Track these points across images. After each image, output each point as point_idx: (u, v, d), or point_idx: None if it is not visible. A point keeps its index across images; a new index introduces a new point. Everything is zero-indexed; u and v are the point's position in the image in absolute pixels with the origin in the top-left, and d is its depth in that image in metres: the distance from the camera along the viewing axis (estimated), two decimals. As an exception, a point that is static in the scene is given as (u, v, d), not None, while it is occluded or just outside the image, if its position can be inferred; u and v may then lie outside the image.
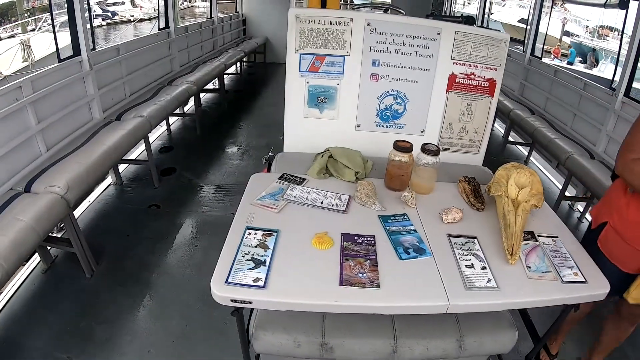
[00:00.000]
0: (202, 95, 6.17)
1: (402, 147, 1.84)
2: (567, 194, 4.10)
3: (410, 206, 1.79)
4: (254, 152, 4.84)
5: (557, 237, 1.69)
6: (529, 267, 1.52)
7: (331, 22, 2.06)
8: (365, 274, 1.40)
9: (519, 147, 5.53)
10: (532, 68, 5.46)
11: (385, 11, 2.91)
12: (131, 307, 2.55)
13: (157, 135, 5.05)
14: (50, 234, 2.72)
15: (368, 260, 1.46)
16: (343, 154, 2.02)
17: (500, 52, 2.16)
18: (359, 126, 2.25)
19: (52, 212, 2.41)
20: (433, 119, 2.26)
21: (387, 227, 1.64)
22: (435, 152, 1.84)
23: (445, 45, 2.12)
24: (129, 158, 4.17)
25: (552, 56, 19.18)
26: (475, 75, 2.18)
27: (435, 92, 2.20)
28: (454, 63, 2.16)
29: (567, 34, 21.76)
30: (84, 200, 3.59)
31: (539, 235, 1.69)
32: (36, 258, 2.87)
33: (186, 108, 5.76)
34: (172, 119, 5.36)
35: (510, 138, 5.48)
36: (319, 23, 2.06)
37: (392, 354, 1.67)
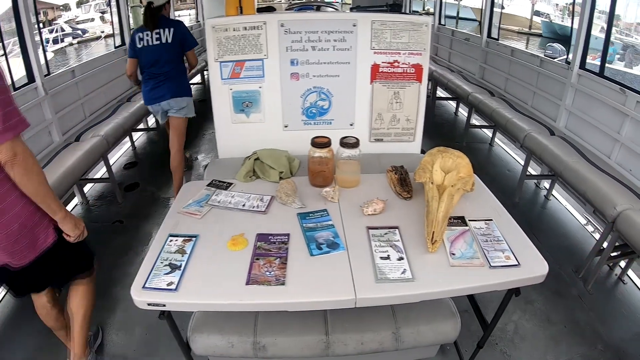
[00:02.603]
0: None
1: (319, 142, 1.85)
2: (533, 172, 4.11)
3: (332, 201, 1.80)
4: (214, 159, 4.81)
5: (491, 220, 1.68)
6: (453, 254, 1.50)
7: (245, 28, 2.08)
8: (272, 272, 1.41)
9: (485, 130, 5.54)
10: (490, 50, 5.49)
11: (318, 9, 2.93)
12: (96, 320, 2.57)
13: (122, 151, 5.04)
14: None
15: (278, 259, 1.47)
16: (269, 156, 2.04)
17: (423, 36, 2.17)
18: (286, 126, 2.26)
19: None
20: (361, 111, 2.27)
21: (304, 224, 1.65)
22: (354, 145, 1.85)
23: (363, 36, 2.13)
24: (94, 177, 4.20)
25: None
26: (399, 63, 2.19)
27: (359, 84, 2.22)
28: (374, 53, 2.17)
29: (537, 13, 21.93)
30: (51, 222, 3.61)
31: (470, 220, 1.67)
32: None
33: (151, 122, 5.75)
34: (136, 135, 5.36)
35: (475, 122, 5.49)
36: (234, 30, 2.09)
37: (326, 350, 1.68)
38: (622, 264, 2.99)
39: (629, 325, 2.57)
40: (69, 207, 3.84)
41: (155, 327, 2.50)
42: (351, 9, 2.40)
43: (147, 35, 3.33)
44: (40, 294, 2.03)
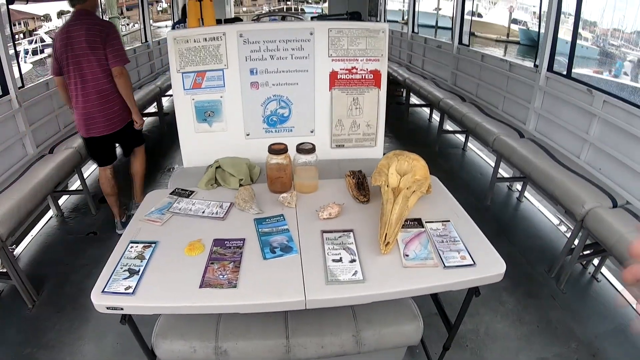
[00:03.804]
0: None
1: (276, 149, 1.88)
2: (504, 175, 4.19)
3: (289, 206, 1.83)
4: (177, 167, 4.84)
5: (448, 221, 1.70)
6: (407, 255, 1.52)
7: (205, 39, 2.12)
8: (225, 276, 1.43)
9: (457, 135, 5.61)
10: (461, 56, 5.60)
11: (283, 18, 2.99)
12: (69, 330, 2.59)
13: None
14: None
15: (232, 263, 1.49)
16: (230, 164, 2.06)
17: (380, 42, 2.22)
18: (248, 134, 2.30)
19: None
20: (321, 118, 2.32)
21: (260, 229, 1.67)
22: (310, 150, 1.88)
23: (320, 44, 2.18)
24: (68, 189, 4.19)
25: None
26: (357, 69, 2.24)
27: (318, 91, 2.26)
28: (332, 60, 2.22)
29: (514, 21, 22.30)
30: (28, 234, 3.62)
31: (427, 222, 1.70)
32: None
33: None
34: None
35: (449, 127, 5.57)
36: (195, 41, 2.12)
37: (287, 354, 1.69)
38: (596, 262, 3.05)
39: (603, 323, 2.60)
40: (43, 221, 3.85)
41: (127, 335, 2.51)
42: (312, 18, 2.46)
43: None
44: (107, 167, 3.43)
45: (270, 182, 1.96)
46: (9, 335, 2.60)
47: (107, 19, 5.58)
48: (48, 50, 20.10)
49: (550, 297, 2.80)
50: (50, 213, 3.95)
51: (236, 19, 2.28)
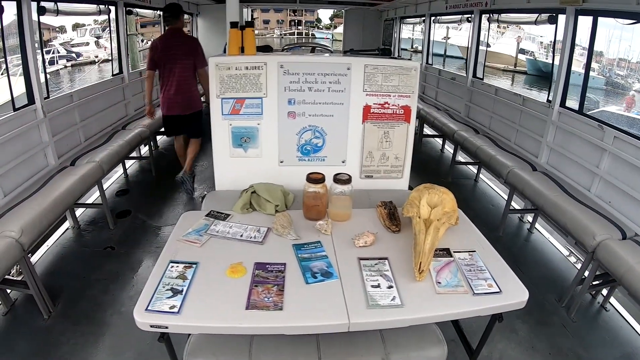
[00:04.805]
0: (158, 137, 6.28)
1: (314, 178, 1.96)
2: (516, 207, 4.26)
3: (325, 234, 1.90)
4: (209, 190, 4.87)
5: (474, 251, 1.81)
6: (439, 282, 1.62)
7: (247, 67, 2.22)
8: (270, 298, 1.51)
9: (470, 166, 5.71)
10: (475, 89, 5.74)
11: (312, 51, 3.09)
12: (84, 345, 2.58)
13: (114, 178, 5.10)
14: (9, 277, 2.81)
15: (275, 286, 1.57)
16: (265, 189, 2.14)
17: (412, 79, 2.33)
18: (282, 162, 2.38)
19: (7, 256, 2.47)
20: (353, 149, 2.41)
21: (299, 255, 1.75)
22: (347, 181, 1.97)
23: (356, 78, 2.29)
24: (85, 202, 4.23)
25: (625, 107, 15.17)
26: (389, 104, 2.34)
27: (351, 124, 2.36)
28: (366, 95, 2.32)
29: (522, 51, 22.65)
30: (43, 244, 3.63)
31: (454, 252, 1.80)
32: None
33: (143, 151, 5.84)
34: (129, 162, 5.42)
35: (461, 159, 5.65)
36: (236, 69, 2.22)
37: None
38: (605, 292, 3.11)
39: (612, 351, 2.68)
40: (59, 232, 3.87)
41: (146, 352, 2.53)
42: (345, 52, 2.54)
43: None
44: (180, 137, 4.70)
45: (306, 210, 2.03)
46: (21, 345, 2.60)
47: (127, 35, 5.70)
48: (62, 62, 20.37)
49: (561, 326, 2.86)
50: (66, 224, 3.97)
51: (267, 48, 2.36)
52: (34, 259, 3.40)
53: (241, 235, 1.89)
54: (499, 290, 1.58)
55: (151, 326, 1.43)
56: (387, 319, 1.49)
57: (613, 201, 3.30)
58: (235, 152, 2.36)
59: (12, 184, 3.35)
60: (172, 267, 1.67)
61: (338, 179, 1.97)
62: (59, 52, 20.31)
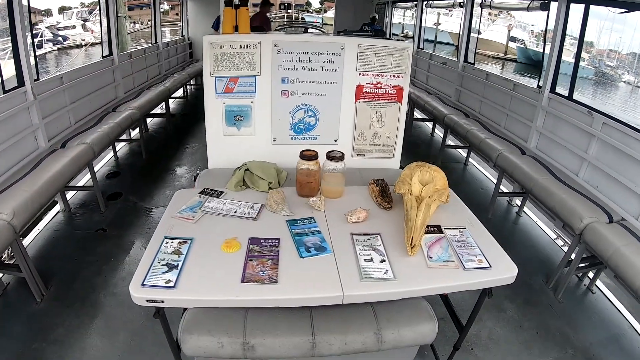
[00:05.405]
0: (148, 120, 6.26)
1: (307, 155, 1.98)
2: (505, 190, 4.31)
3: (318, 210, 1.93)
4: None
5: (464, 228, 1.85)
6: (431, 257, 1.66)
7: (241, 46, 2.22)
8: (265, 272, 1.53)
9: (459, 150, 5.76)
10: (466, 74, 5.76)
11: (305, 31, 3.09)
12: (78, 326, 2.60)
13: (104, 161, 5.07)
14: (1, 261, 2.82)
15: (270, 260, 1.60)
16: (258, 167, 2.16)
17: (404, 60, 2.35)
18: (275, 140, 2.40)
19: (0, 238, 2.47)
20: (345, 128, 2.43)
21: (293, 230, 1.78)
22: (339, 158, 1.99)
23: (349, 58, 2.29)
24: (76, 185, 4.21)
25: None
26: (381, 84, 2.36)
27: (344, 103, 2.37)
28: (359, 74, 2.33)
29: (512, 39, 22.70)
30: (34, 227, 3.61)
31: (445, 228, 1.84)
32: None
33: (133, 133, 5.81)
34: (119, 145, 5.41)
35: (450, 142, 5.70)
36: (230, 47, 2.21)
37: (312, 350, 1.77)
38: (591, 274, 3.20)
39: (598, 331, 2.77)
40: (50, 215, 3.86)
41: (140, 332, 2.56)
42: (337, 33, 2.54)
43: None
44: None
45: (299, 186, 2.05)
46: (15, 328, 2.60)
47: (116, 17, 5.63)
48: (48, 46, 19.98)
49: (548, 306, 2.95)
50: (57, 207, 3.95)
51: (260, 28, 2.37)
52: (25, 242, 3.37)
53: (235, 212, 1.90)
54: (488, 266, 1.62)
55: (147, 301, 1.44)
56: (380, 292, 1.53)
57: (600, 186, 3.36)
58: (229, 131, 2.36)
59: (3, 167, 3.32)
60: (167, 242, 1.68)
61: (331, 156, 1.99)
62: (45, 36, 19.90)
